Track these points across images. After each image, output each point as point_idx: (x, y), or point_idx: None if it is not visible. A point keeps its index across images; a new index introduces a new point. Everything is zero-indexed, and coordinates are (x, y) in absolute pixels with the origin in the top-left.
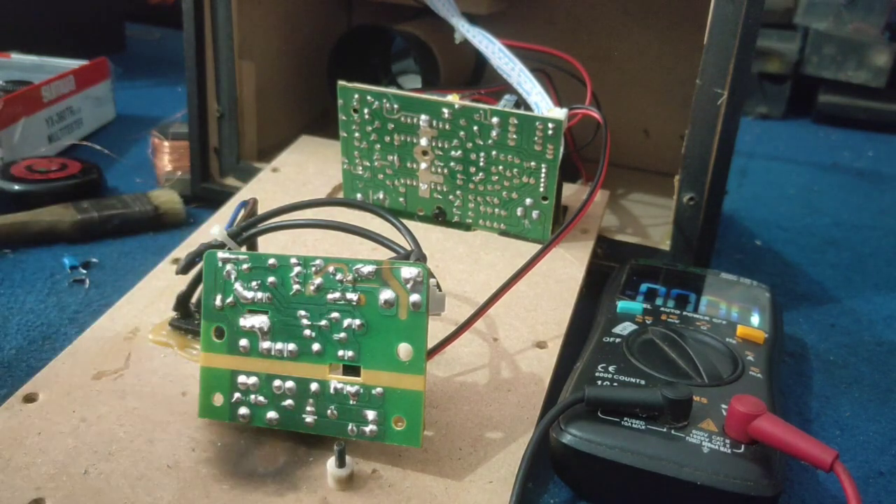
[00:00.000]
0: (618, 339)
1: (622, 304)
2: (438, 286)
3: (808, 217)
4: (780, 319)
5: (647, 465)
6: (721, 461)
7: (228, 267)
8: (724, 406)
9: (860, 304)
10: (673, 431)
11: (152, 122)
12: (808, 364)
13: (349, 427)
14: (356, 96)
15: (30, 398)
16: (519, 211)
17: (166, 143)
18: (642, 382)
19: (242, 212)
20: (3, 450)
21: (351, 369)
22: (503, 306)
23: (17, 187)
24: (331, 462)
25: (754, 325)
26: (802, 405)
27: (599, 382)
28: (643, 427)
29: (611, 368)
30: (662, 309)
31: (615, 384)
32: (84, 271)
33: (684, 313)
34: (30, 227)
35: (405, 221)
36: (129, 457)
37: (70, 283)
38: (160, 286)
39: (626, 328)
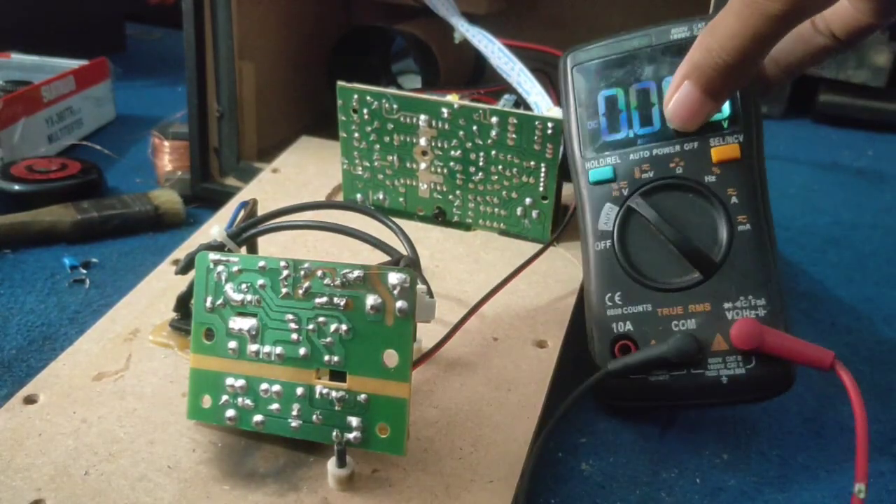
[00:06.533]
0: (608, 244)
1: (593, 173)
2: (430, 292)
3: (808, 216)
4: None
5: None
6: (740, 383)
7: (220, 268)
8: (726, 305)
9: (860, 302)
10: (693, 371)
11: (152, 122)
12: None
13: (334, 433)
14: (356, 96)
15: (30, 399)
16: (519, 210)
17: (166, 143)
18: (649, 308)
19: (242, 212)
20: (3, 451)
21: (337, 374)
22: (503, 306)
23: (17, 187)
24: (331, 462)
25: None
26: (803, 405)
27: (614, 325)
28: (667, 377)
29: (617, 298)
30: (632, 157)
31: (628, 321)
32: (84, 271)
33: (655, 153)
34: (30, 227)
35: (405, 222)
36: (129, 458)
37: (70, 283)
38: (160, 287)
39: (609, 217)
